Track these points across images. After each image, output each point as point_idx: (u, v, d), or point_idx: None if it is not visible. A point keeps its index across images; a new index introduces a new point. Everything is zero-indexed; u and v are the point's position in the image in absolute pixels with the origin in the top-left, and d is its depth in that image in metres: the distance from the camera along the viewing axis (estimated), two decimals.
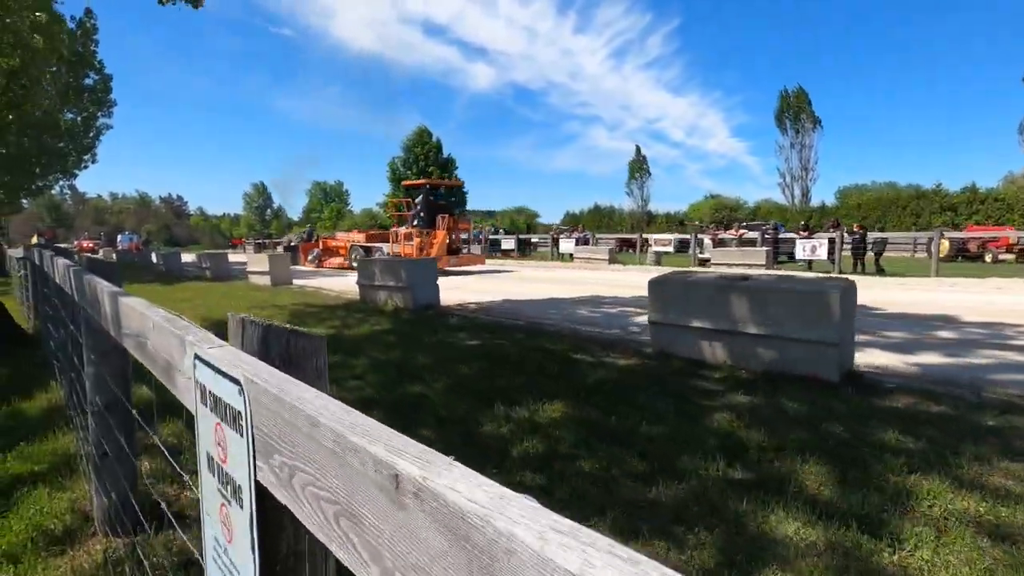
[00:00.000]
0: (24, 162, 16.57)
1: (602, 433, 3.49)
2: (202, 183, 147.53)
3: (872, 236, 16.71)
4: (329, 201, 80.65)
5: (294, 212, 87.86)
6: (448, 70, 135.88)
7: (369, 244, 20.41)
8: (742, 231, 22.85)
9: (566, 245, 24.97)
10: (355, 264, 19.85)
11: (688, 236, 24.75)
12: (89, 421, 2.26)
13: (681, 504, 2.58)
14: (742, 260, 16.92)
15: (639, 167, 58.63)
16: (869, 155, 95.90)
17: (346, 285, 13.07)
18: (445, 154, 55.83)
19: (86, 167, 18.98)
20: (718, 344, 5.10)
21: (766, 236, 18.89)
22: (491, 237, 29.45)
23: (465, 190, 57.07)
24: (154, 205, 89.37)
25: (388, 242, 19.50)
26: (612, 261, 21.21)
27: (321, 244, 23.29)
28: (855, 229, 15.97)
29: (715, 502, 2.58)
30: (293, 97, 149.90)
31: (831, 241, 15.56)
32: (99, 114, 17.88)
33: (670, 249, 22.19)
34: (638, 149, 62.90)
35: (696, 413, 3.83)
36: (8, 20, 5.67)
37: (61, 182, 21.98)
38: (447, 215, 18.35)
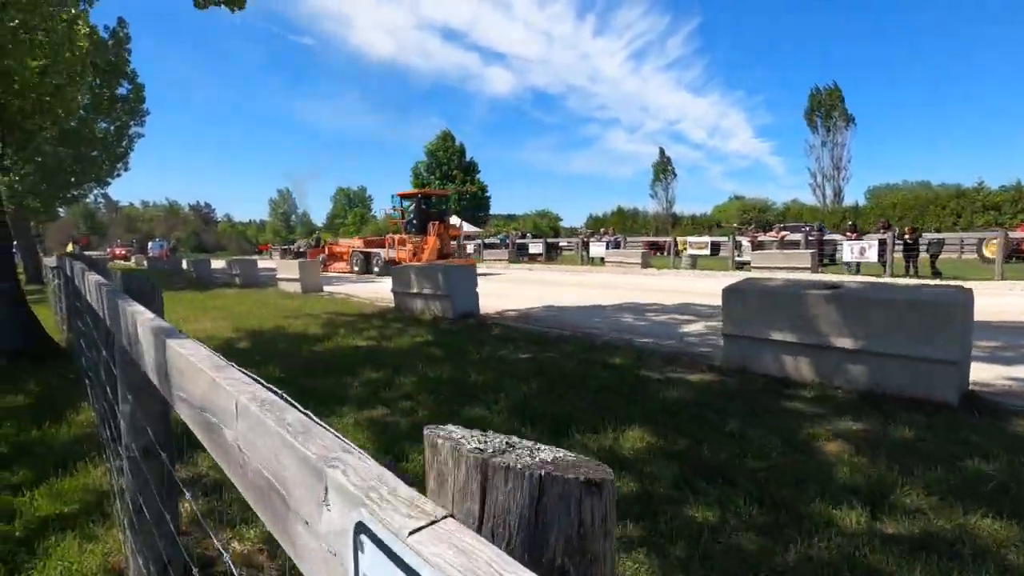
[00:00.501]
0: (60, 171, 16.74)
1: (699, 468, 3.01)
2: (229, 190, 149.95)
3: (928, 237, 15.81)
4: (352, 206, 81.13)
5: (317, 217, 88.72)
6: (466, 75, 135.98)
7: (368, 250, 21.54)
8: (784, 233, 21.94)
9: (596, 249, 24.41)
10: (356, 268, 20.75)
11: (720, 238, 23.95)
12: (124, 467, 1.87)
13: (834, 572, 2.09)
14: (785, 263, 16.18)
15: (663, 169, 57.63)
16: (896, 154, 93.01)
17: (377, 292, 12.76)
18: (468, 158, 55.72)
19: (119, 175, 19.20)
20: (804, 360, 4.57)
21: (810, 238, 18.07)
22: (518, 241, 28.98)
23: (488, 194, 56.91)
24: (183, 212, 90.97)
25: (384, 248, 20.51)
26: (645, 265, 20.58)
27: (327, 250, 24.38)
28: (907, 232, 15.12)
29: (878, 569, 2.09)
30: (314, 103, 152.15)
31: (881, 243, 14.74)
32: (132, 123, 18.01)
33: (706, 252, 21.39)
34: (662, 151, 62.07)
35: (802, 443, 3.32)
36: (40, 24, 5.46)
37: (95, 191, 22.39)
38: (438, 222, 19.46)
